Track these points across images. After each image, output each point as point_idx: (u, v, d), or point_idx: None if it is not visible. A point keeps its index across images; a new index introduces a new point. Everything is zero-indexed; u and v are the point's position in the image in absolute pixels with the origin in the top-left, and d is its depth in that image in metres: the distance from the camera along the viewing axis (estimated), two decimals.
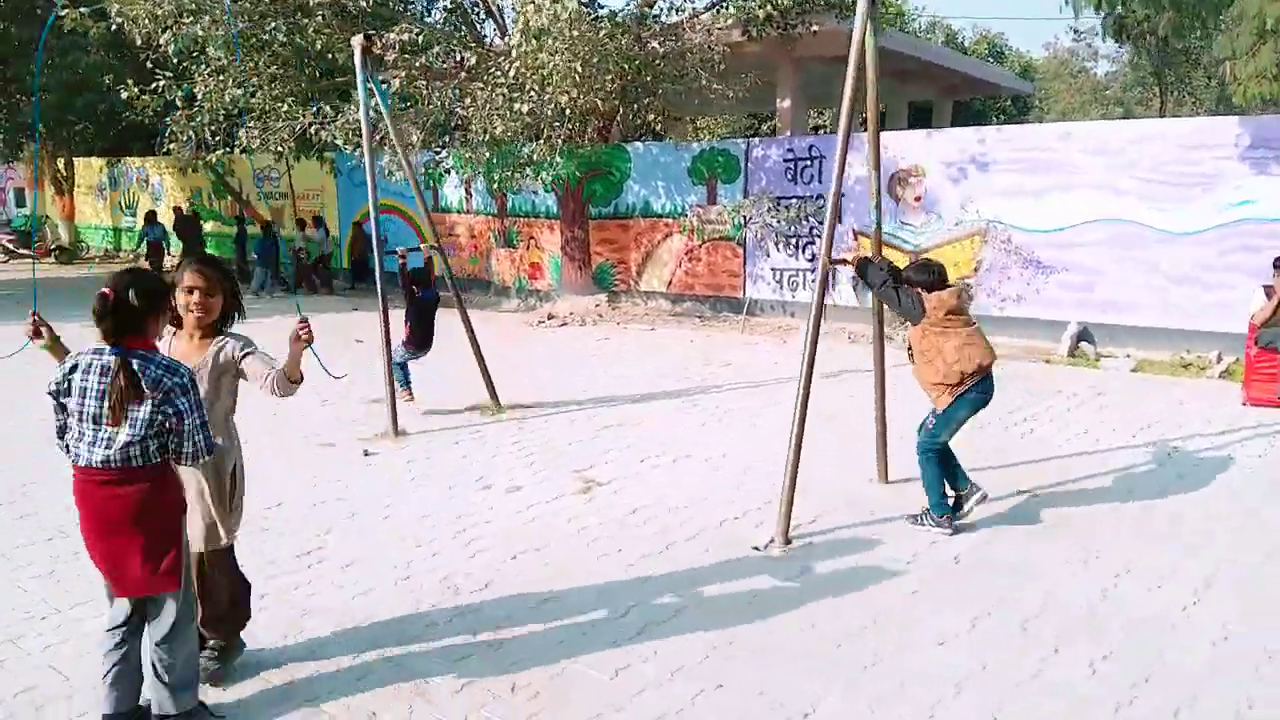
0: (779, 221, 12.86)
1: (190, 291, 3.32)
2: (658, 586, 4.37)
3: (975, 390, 5.07)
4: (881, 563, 4.65)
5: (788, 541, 4.90)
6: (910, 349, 5.26)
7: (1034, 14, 47.45)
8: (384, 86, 11.56)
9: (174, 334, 3.43)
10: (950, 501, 5.15)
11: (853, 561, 4.68)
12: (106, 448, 2.87)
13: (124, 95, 13.18)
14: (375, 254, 7.34)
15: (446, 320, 8.26)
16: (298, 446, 6.81)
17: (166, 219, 20.02)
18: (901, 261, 11.98)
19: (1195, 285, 10.17)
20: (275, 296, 16.95)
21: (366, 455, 6.56)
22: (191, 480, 3.34)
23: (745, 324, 13.06)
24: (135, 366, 2.87)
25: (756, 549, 4.85)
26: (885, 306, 5.66)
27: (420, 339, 7.82)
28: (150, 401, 2.87)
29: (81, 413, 2.89)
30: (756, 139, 14.43)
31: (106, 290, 2.86)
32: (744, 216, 13.30)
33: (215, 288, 3.36)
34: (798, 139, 13.84)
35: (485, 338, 12.05)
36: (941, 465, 5.17)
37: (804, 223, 13.01)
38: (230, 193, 20.81)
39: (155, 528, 2.95)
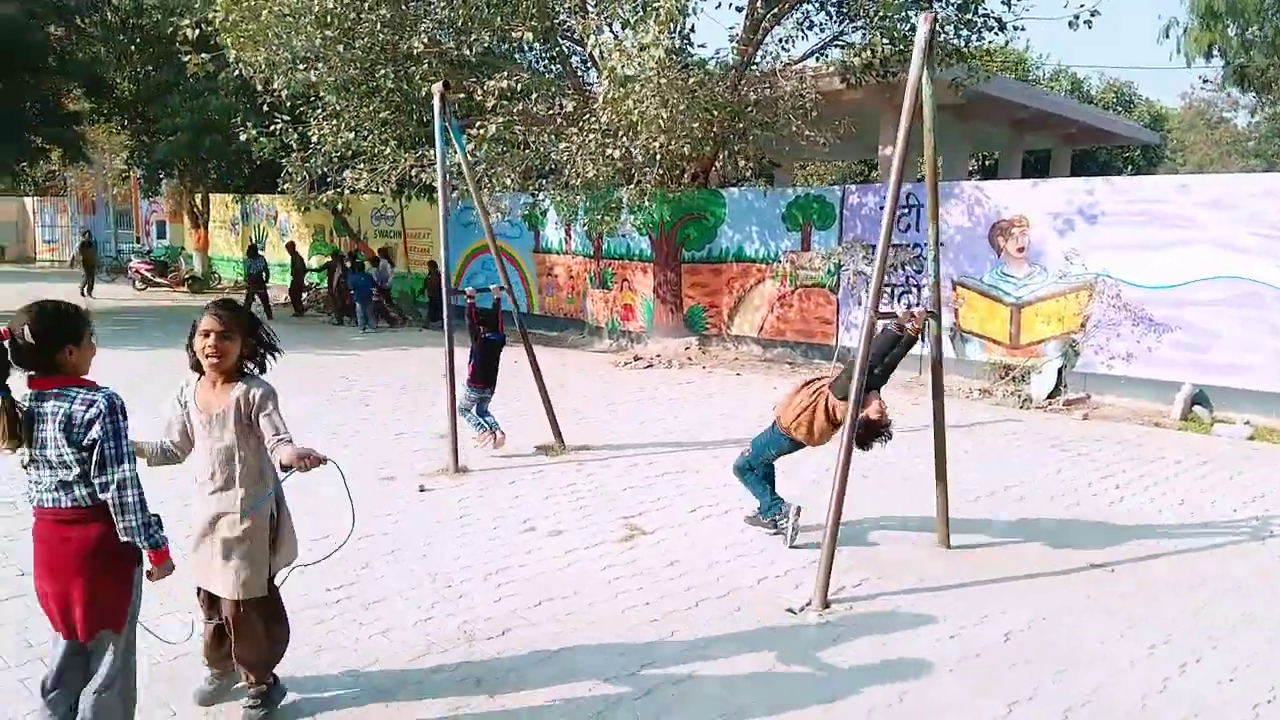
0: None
1: (206, 335, 3.28)
2: (677, 646, 4.20)
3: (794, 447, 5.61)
4: (923, 635, 4.36)
5: (826, 605, 4.65)
6: (829, 384, 5.44)
7: (1166, 64, 45.52)
8: (478, 131, 11.88)
9: (198, 379, 3.41)
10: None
11: (892, 632, 4.39)
12: (45, 489, 2.90)
13: (243, 137, 13.95)
14: (444, 293, 7.45)
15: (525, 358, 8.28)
16: (360, 478, 6.90)
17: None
18: (1000, 314, 11.57)
19: None
20: (380, 330, 17.50)
21: (422, 491, 6.61)
22: (222, 525, 3.34)
23: (835, 372, 12.71)
24: (27, 407, 2.87)
25: (791, 611, 4.62)
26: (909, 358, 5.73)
27: (484, 378, 7.86)
28: (68, 439, 2.84)
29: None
30: (852, 185, 14.18)
31: (1, 330, 2.85)
32: (838, 263, 13.05)
33: (231, 330, 3.30)
34: None
35: (568, 377, 12.19)
36: (761, 475, 5.74)
37: (899, 271, 12.67)
38: (347, 231, 21.74)
39: (101, 572, 2.93)
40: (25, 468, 2.94)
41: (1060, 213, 11.33)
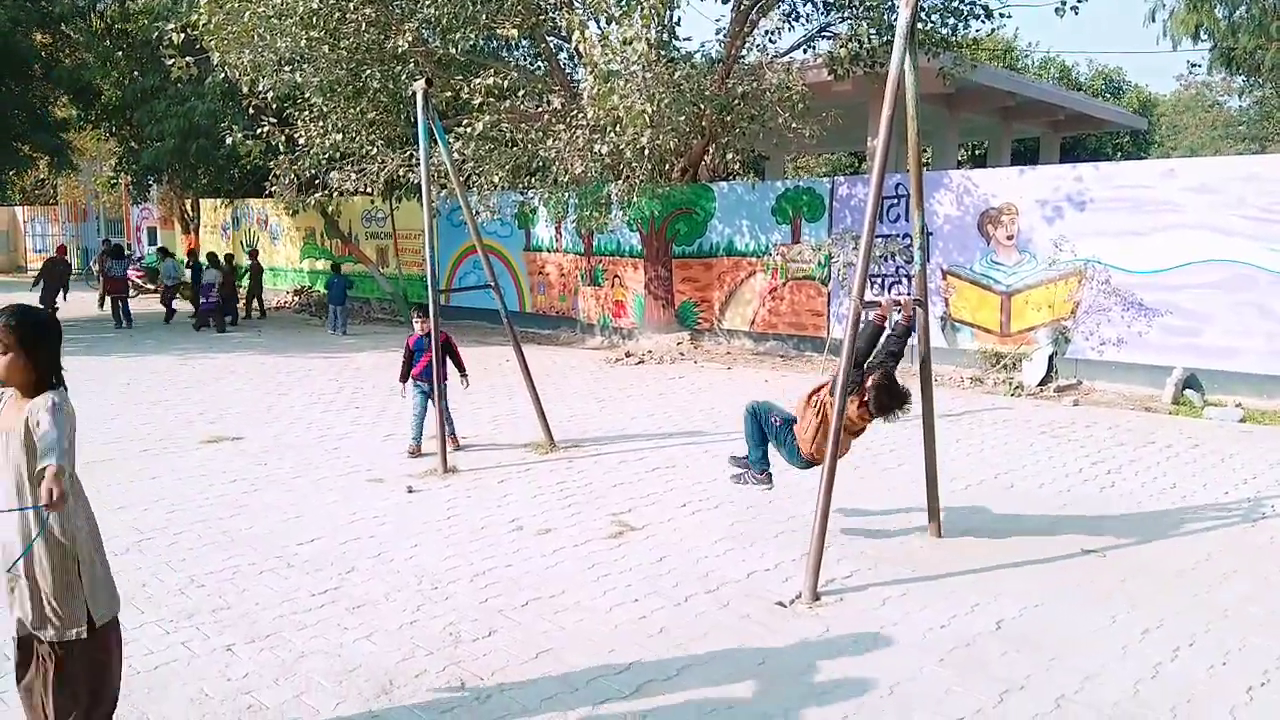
0: None
1: None
2: (665, 642, 4.16)
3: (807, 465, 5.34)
4: (914, 626, 4.32)
5: (816, 598, 4.62)
6: (827, 388, 4.99)
7: (1154, 48, 45.47)
8: (464, 128, 11.83)
9: (11, 394, 2.95)
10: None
11: (882, 622, 4.36)
12: None
13: (229, 141, 13.88)
14: (430, 295, 7.38)
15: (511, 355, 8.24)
16: (348, 481, 6.89)
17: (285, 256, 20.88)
18: (991, 302, 11.50)
19: None
20: (348, 333, 17.06)
21: (410, 492, 6.56)
22: (20, 558, 2.87)
23: (826, 364, 12.71)
24: None
25: (781, 604, 4.59)
26: (901, 344, 5.29)
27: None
28: None
29: None
30: (841, 177, 14.14)
31: None
32: (828, 255, 13.02)
33: (6, 345, 2.82)
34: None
35: (560, 374, 12.16)
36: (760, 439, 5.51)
37: (889, 261, 12.64)
38: (338, 233, 21.63)
39: None
40: None
41: (1048, 200, 11.30)
